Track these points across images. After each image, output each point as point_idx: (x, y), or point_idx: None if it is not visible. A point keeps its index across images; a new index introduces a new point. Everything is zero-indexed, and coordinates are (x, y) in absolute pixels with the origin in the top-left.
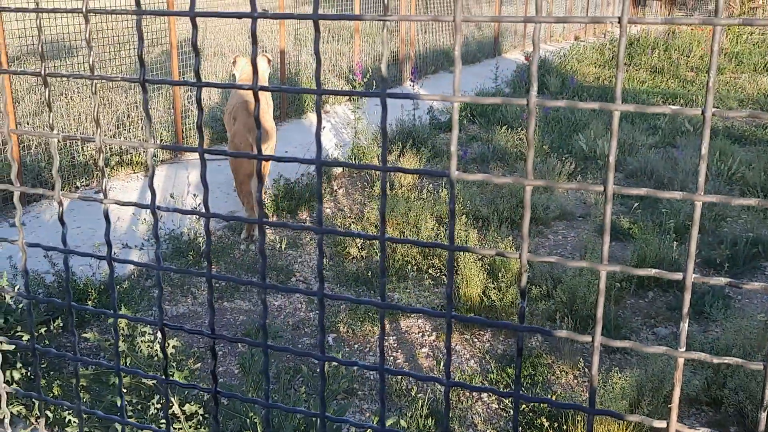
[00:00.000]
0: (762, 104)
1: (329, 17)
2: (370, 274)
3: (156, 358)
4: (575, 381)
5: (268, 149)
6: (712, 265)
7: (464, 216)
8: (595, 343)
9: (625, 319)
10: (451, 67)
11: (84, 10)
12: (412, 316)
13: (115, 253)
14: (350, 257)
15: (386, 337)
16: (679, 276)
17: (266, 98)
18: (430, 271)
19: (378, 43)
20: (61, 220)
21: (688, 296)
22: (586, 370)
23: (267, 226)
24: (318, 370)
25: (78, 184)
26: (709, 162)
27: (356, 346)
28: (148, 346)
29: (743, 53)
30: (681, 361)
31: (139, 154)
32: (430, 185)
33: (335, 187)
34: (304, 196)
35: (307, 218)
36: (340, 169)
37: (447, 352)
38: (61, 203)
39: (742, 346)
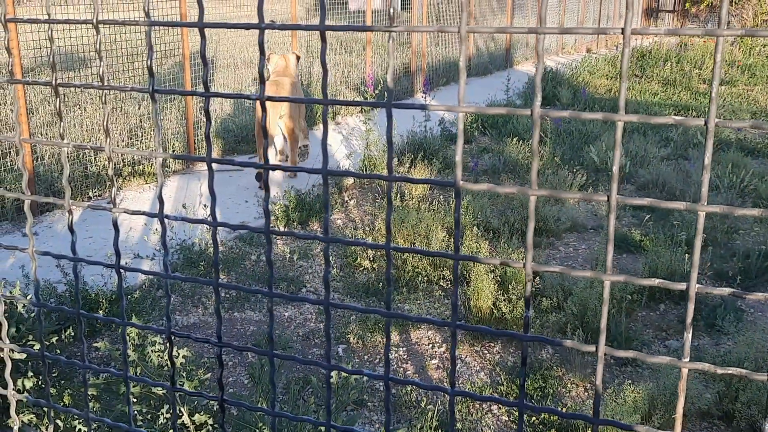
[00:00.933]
0: None
1: (335, 28)
2: (380, 285)
3: (166, 368)
4: (586, 394)
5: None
6: (724, 278)
7: (475, 227)
8: (599, 353)
9: (636, 331)
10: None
11: (95, 20)
12: (422, 327)
13: (126, 263)
14: (361, 269)
15: (396, 349)
16: (683, 286)
17: (292, 82)
18: (441, 283)
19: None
20: (70, 228)
21: (691, 306)
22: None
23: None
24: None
25: (90, 194)
26: (721, 174)
27: (366, 357)
28: (159, 355)
29: (756, 65)
30: (685, 371)
31: (152, 164)
32: (441, 196)
33: (346, 199)
34: (315, 207)
35: (318, 229)
36: (350, 181)
37: (452, 362)
38: (70, 212)
39: (754, 360)
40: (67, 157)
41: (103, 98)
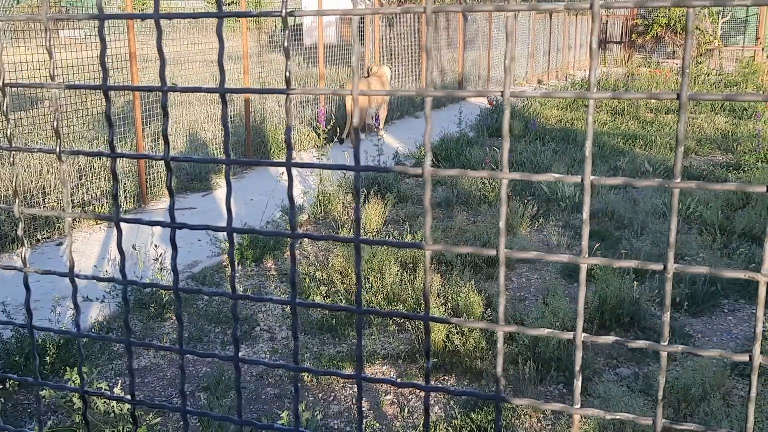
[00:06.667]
0: (719, 143)
1: (235, 90)
2: (334, 321)
3: (112, 414)
4: (539, 424)
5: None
6: (671, 304)
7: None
8: (498, 403)
9: (587, 360)
10: (416, 112)
11: (1, 83)
12: (377, 363)
13: (72, 314)
14: None
15: (351, 386)
16: (569, 335)
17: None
18: (395, 318)
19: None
20: None
21: (579, 354)
22: (552, 414)
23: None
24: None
25: (39, 236)
26: (667, 201)
27: (320, 395)
28: (104, 402)
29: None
30: (576, 417)
31: (102, 206)
32: (395, 231)
33: None
34: (270, 244)
35: (272, 266)
36: (305, 216)
37: (358, 413)
38: None
39: (701, 385)
40: None
41: (12, 159)
